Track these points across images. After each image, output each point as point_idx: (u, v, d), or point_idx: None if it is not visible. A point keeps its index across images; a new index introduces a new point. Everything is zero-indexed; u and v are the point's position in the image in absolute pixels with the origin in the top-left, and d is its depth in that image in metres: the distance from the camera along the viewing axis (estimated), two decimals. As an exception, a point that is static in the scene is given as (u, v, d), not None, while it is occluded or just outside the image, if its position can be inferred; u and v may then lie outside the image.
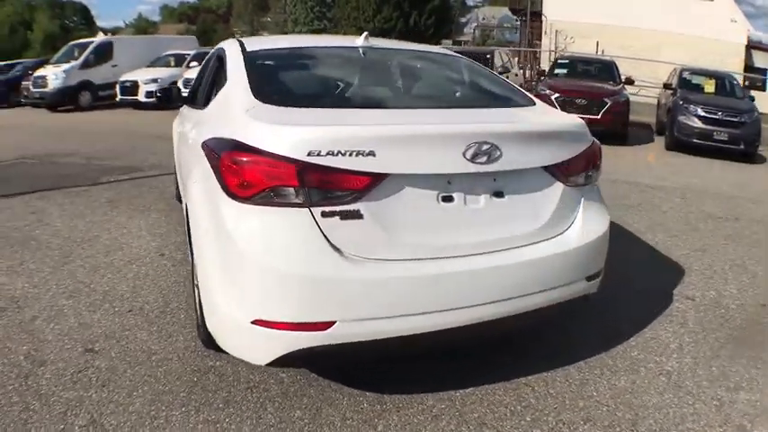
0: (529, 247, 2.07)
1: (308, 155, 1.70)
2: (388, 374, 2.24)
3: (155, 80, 13.47)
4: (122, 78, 14.19)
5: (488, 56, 11.22)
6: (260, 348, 1.81)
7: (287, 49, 3.06)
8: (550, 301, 2.13)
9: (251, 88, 2.14)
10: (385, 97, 2.58)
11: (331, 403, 2.06)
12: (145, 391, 2.09)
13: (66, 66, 14.84)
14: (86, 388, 2.09)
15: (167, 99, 4.84)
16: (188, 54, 15.23)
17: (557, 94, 9.35)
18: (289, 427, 1.93)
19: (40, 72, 15.02)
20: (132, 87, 13.89)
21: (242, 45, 2.68)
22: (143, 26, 61.95)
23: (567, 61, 11.85)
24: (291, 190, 1.72)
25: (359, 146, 1.73)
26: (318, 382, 2.18)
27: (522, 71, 15.80)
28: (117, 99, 14.22)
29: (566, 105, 8.91)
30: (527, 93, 2.82)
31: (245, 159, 1.75)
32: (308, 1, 36.20)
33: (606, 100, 9.16)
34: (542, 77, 11.39)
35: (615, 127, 9.01)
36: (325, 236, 1.74)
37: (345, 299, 1.75)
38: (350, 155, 1.72)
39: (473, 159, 1.89)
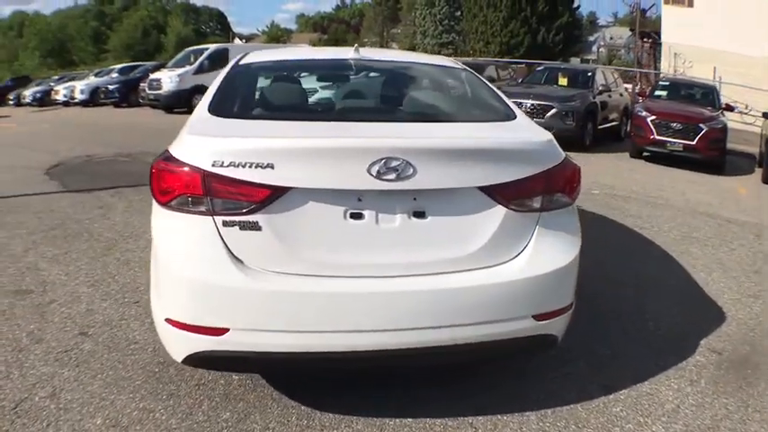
0: (455, 274, 1.96)
1: (213, 165, 1.82)
2: (334, 392, 2.27)
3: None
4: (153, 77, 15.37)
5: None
6: (173, 346, 1.97)
7: (277, 62, 3.13)
8: (483, 337, 2.00)
9: (212, 101, 2.29)
10: (334, 110, 2.65)
11: (262, 411, 2.18)
12: (109, 374, 2.36)
13: (180, 70, 16.08)
14: (63, 366, 2.41)
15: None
16: None
17: (652, 117, 9.00)
18: (213, 427, 2.06)
19: (155, 75, 16.61)
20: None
21: (241, 57, 2.85)
22: (276, 34, 66.34)
23: (667, 83, 11.37)
24: (197, 198, 1.84)
25: (258, 158, 1.82)
26: (263, 389, 2.30)
27: (630, 91, 15.07)
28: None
29: (660, 129, 8.79)
30: (512, 107, 2.58)
31: (164, 167, 1.91)
32: (437, 14, 37.41)
33: (702, 126, 8.70)
34: (642, 98, 11.03)
35: (710, 154, 8.47)
36: (225, 244, 1.84)
37: (239, 307, 1.84)
38: (250, 166, 1.81)
39: (380, 176, 1.84)
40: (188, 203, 1.86)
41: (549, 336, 2.17)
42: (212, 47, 17.40)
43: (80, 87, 20.03)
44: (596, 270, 3.46)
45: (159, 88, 15.63)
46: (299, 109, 2.54)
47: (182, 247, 1.89)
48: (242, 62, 2.81)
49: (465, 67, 3.06)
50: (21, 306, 2.89)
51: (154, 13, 58.40)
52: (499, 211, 2.00)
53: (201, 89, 16.19)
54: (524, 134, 2.30)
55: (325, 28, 66.30)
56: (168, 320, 1.89)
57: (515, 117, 2.45)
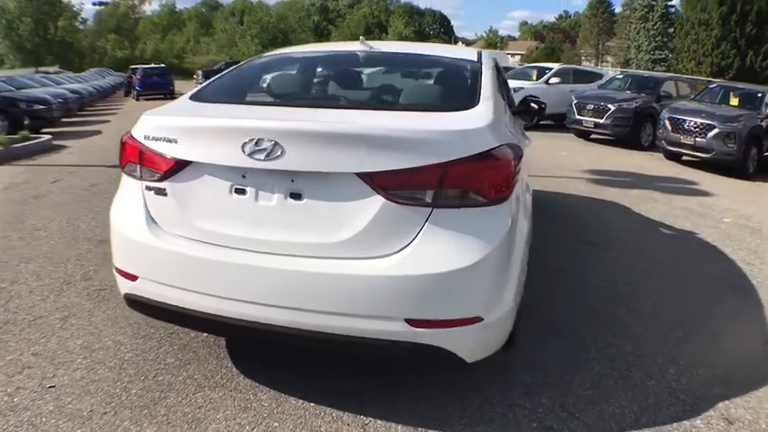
0: (323, 259, 1.92)
1: (144, 138, 2.11)
2: (274, 368, 2.41)
3: None
4: None
5: (759, 94, 9.33)
6: (118, 287, 2.30)
7: (285, 54, 3.31)
8: (347, 330, 1.92)
9: (201, 87, 2.60)
10: (296, 96, 2.69)
11: (200, 363, 2.44)
12: (116, 312, 2.87)
13: (369, 69, 17.28)
14: (89, 299, 3.01)
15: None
16: None
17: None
18: (155, 366, 2.41)
19: None
20: None
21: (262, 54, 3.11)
22: (493, 40, 66.58)
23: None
24: (134, 166, 2.16)
25: (167, 134, 2.05)
26: (217, 349, 2.57)
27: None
28: None
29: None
30: (481, 97, 2.32)
31: (125, 139, 2.24)
32: (651, 29, 37.26)
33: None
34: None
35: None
36: (145, 205, 2.14)
37: (146, 260, 2.13)
38: (163, 141, 2.05)
39: (251, 155, 1.90)
40: (130, 169, 2.19)
41: (436, 348, 1.93)
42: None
43: None
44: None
45: None
46: (269, 96, 2.71)
47: (121, 205, 2.26)
48: (257, 57, 3.09)
49: (478, 59, 2.79)
50: (94, 251, 3.64)
51: (377, 11, 61.86)
52: (376, 201, 1.88)
53: None
54: (436, 123, 2.07)
55: (543, 37, 65.25)
56: (114, 265, 2.26)
57: (471, 107, 2.20)
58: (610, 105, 10.62)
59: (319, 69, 2.97)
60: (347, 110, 2.44)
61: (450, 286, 1.89)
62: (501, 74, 3.46)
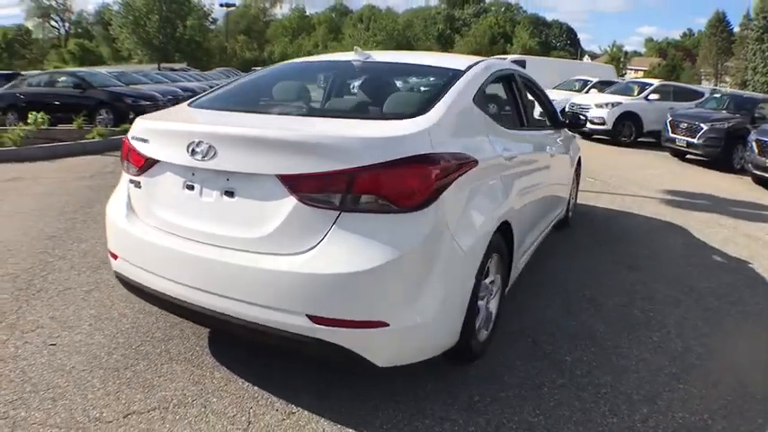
0: (246, 253, 2.03)
1: (131, 138, 2.38)
2: (246, 359, 2.53)
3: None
4: None
5: None
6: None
7: (287, 63, 3.47)
8: (266, 321, 2.00)
9: (201, 94, 2.84)
10: (258, 103, 2.79)
11: (180, 339, 2.68)
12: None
13: None
14: (93, 270, 3.40)
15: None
16: (592, 81, 15.32)
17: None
18: (134, 336, 2.67)
19: None
20: None
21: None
22: (616, 55, 62.99)
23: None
24: (124, 161, 2.44)
25: (143, 135, 2.31)
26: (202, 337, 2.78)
27: None
28: None
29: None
30: (436, 106, 2.29)
31: (124, 139, 2.51)
32: (766, 51, 35.78)
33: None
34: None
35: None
36: (128, 196, 2.42)
37: (123, 243, 2.39)
38: (140, 141, 2.31)
39: (193, 155, 2.09)
40: (123, 164, 2.48)
41: (339, 347, 1.95)
42: (511, 57, 17.66)
43: None
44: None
45: None
46: (235, 103, 2.77)
47: (114, 195, 2.56)
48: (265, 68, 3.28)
49: (466, 69, 2.71)
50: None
51: (503, 21, 60.32)
52: (290, 202, 1.97)
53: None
54: (362, 130, 2.10)
55: (665, 54, 61.29)
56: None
57: (418, 116, 2.20)
58: (702, 125, 9.76)
59: (295, 80, 3.07)
60: (292, 116, 2.55)
61: (352, 288, 1.92)
62: (514, 83, 3.34)
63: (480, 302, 2.55)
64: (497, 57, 17.75)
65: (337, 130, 2.16)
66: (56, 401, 2.21)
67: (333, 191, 1.93)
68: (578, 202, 5.99)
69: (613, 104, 11.98)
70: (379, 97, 2.68)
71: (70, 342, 2.64)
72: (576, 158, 5.00)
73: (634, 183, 7.63)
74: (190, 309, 2.19)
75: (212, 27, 53.89)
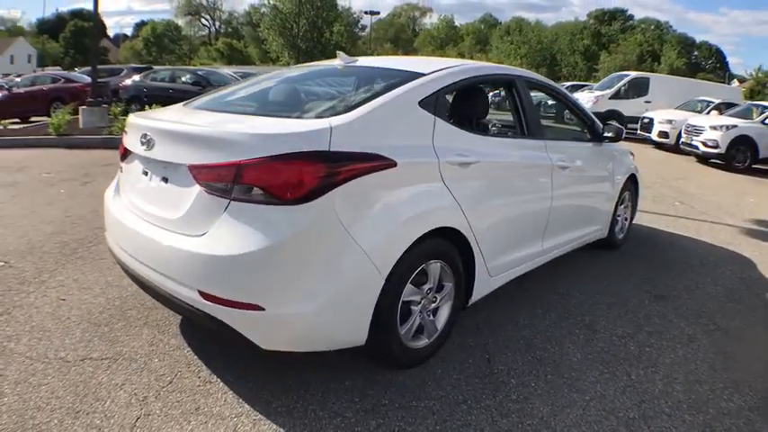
0: (167, 231, 2.12)
1: (124, 131, 2.59)
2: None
3: (669, 121, 12.39)
4: (644, 114, 13.59)
5: None
6: None
7: (280, 70, 3.46)
8: (176, 294, 2.06)
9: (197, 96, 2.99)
10: (233, 104, 2.75)
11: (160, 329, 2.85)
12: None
13: (597, 93, 15.46)
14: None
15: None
16: (713, 102, 13.41)
17: None
18: (115, 313, 2.90)
19: (574, 95, 16.37)
20: (649, 124, 13.08)
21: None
22: (762, 80, 53.99)
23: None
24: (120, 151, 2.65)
25: (126, 128, 2.52)
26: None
27: None
28: (637, 133, 13.48)
29: None
30: (359, 107, 2.18)
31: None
32: None
33: None
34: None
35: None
36: (118, 179, 2.62)
37: (108, 219, 2.56)
38: (125, 133, 2.52)
39: (142, 146, 2.27)
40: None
41: (224, 324, 1.95)
42: (633, 74, 16.11)
43: None
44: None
45: None
46: (212, 103, 2.79)
47: (114, 180, 2.76)
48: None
49: (428, 73, 2.53)
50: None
51: (651, 39, 54.82)
52: (195, 190, 2.04)
53: (616, 115, 15.50)
54: (268, 127, 2.10)
55: None
56: None
57: (337, 115, 2.12)
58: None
59: (271, 82, 3.03)
60: (235, 115, 2.51)
61: (231, 270, 1.93)
62: (513, 89, 3.03)
63: (414, 308, 2.35)
64: (636, 72, 16.18)
65: (241, 126, 2.16)
66: (40, 340, 2.50)
67: (225, 181, 1.97)
68: (649, 225, 5.24)
69: (728, 127, 10.16)
70: (317, 99, 2.61)
71: (77, 300, 2.94)
72: (627, 175, 4.31)
73: (723, 209, 6.40)
74: (139, 279, 2.32)
75: (362, 34, 53.24)
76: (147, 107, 9.72)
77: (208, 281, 1.97)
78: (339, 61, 2.95)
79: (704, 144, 10.24)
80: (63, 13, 65.49)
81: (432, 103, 2.40)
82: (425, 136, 2.34)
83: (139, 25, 69.12)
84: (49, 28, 61.22)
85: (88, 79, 12.97)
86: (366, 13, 51.24)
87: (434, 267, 2.39)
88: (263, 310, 1.92)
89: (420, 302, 2.37)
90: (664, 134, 12.20)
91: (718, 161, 10.35)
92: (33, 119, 13.11)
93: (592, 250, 4.18)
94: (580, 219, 3.72)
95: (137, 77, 14.93)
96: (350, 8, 50.07)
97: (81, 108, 10.35)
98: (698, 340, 2.91)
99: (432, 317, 2.47)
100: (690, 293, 3.60)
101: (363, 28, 52.94)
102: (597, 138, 3.85)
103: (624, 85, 15.31)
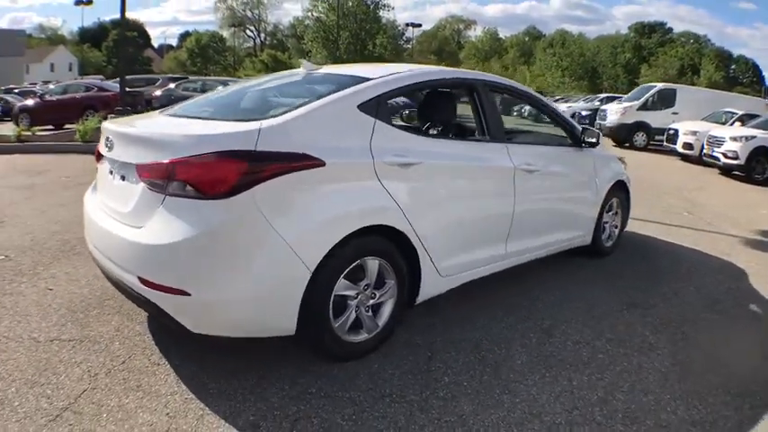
0: (120, 224, 2.22)
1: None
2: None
3: (693, 132, 11.74)
4: (670, 125, 12.95)
5: None
6: None
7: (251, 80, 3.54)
8: (126, 281, 2.14)
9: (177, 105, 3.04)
10: (196, 110, 2.73)
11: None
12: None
13: (625, 104, 14.84)
14: None
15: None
16: (737, 113, 12.64)
17: None
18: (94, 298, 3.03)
19: (606, 106, 15.93)
20: (674, 136, 12.48)
21: None
22: None
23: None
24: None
25: (101, 134, 2.58)
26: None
27: None
28: (663, 144, 13.02)
29: None
30: (295, 109, 2.24)
31: None
32: None
33: None
34: None
35: None
36: (96, 178, 2.71)
37: (85, 216, 2.63)
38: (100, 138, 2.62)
39: (105, 148, 2.41)
40: None
41: (159, 307, 2.05)
42: (660, 86, 15.37)
43: (562, 110, 21.05)
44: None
45: (605, 119, 14.90)
46: (181, 109, 2.81)
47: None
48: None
49: (373, 78, 2.55)
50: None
51: (690, 53, 52.34)
52: (140, 186, 2.14)
53: (643, 126, 15.01)
54: (204, 129, 2.21)
55: None
56: None
57: (269, 118, 2.18)
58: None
59: (237, 89, 3.09)
60: (188, 119, 2.54)
61: (160, 257, 2.03)
62: (475, 93, 2.97)
63: (350, 302, 2.34)
64: (663, 84, 15.45)
65: (181, 129, 2.25)
66: (20, 323, 2.65)
67: (162, 178, 2.05)
68: (647, 234, 4.99)
69: (747, 138, 9.49)
70: (266, 104, 2.65)
71: (63, 290, 3.06)
72: (614, 182, 4.10)
73: (731, 220, 5.96)
74: (104, 271, 2.42)
75: (407, 47, 52.10)
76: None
77: (145, 268, 2.06)
78: (303, 69, 2.99)
79: (725, 155, 9.62)
80: (105, 22, 63.17)
81: (372, 107, 2.40)
82: (363, 137, 2.33)
83: (184, 36, 68.54)
84: (91, 37, 59.12)
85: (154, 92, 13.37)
86: (407, 25, 50.90)
87: (372, 264, 2.37)
88: (190, 295, 1.98)
89: (356, 297, 2.35)
90: (688, 146, 11.56)
91: (738, 173, 9.68)
92: (67, 126, 12.92)
93: (577, 257, 4.01)
94: (556, 223, 3.58)
95: (171, 86, 15.21)
96: (395, 20, 49.13)
97: (110, 116, 10.73)
98: (659, 349, 2.72)
99: (371, 312, 2.44)
100: (667, 302, 3.38)
101: (408, 40, 52.20)
102: (577, 143, 3.70)
103: (652, 96, 14.65)
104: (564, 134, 3.75)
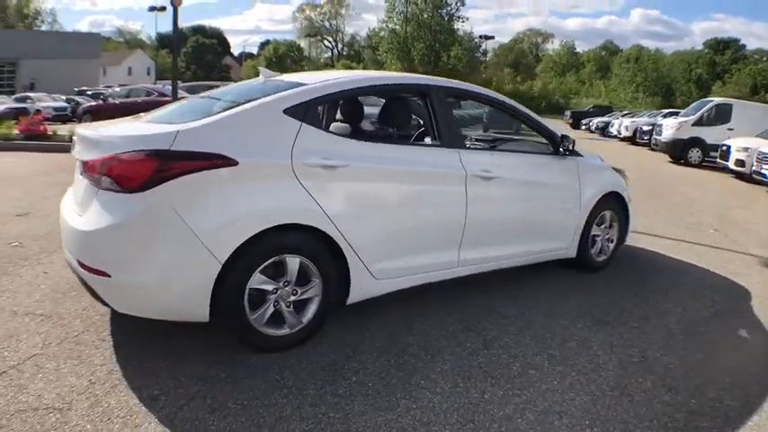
0: (74, 214, 2.36)
1: None
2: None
3: (745, 149, 10.45)
4: (723, 141, 11.69)
5: None
6: None
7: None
8: (73, 265, 2.27)
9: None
10: (158, 116, 2.77)
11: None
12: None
13: (681, 119, 13.74)
14: None
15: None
16: None
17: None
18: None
19: (662, 120, 14.81)
20: (726, 152, 11.18)
21: None
22: None
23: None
24: None
25: None
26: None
27: None
28: (717, 161, 11.75)
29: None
30: (226, 112, 2.34)
31: None
32: None
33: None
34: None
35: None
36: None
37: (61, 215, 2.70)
38: None
39: (74, 149, 2.54)
40: None
41: (92, 289, 2.17)
42: (717, 100, 14.01)
43: (625, 124, 20.16)
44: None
45: (660, 134, 13.90)
46: (154, 115, 2.83)
47: None
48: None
49: (308, 84, 2.57)
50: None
51: (763, 71, 46.94)
52: (86, 181, 2.29)
53: (698, 142, 13.83)
54: (128, 131, 2.35)
55: None
56: None
57: (194, 122, 2.26)
58: None
59: (202, 96, 3.14)
60: (141, 123, 2.62)
61: (89, 242, 2.18)
62: (427, 99, 2.87)
63: (270, 296, 2.34)
64: (720, 99, 13.94)
65: (121, 131, 2.38)
66: (8, 298, 2.89)
67: (95, 173, 2.19)
68: (656, 250, 4.54)
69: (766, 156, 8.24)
70: (207, 109, 2.67)
71: (56, 274, 3.24)
72: (604, 193, 3.74)
73: (760, 240, 5.20)
74: (66, 258, 2.49)
75: (484, 59, 50.96)
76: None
77: (81, 251, 2.22)
78: (261, 78, 3.05)
79: (776, 173, 8.46)
80: (184, 28, 61.78)
81: (300, 111, 2.40)
82: (285, 140, 2.33)
83: (264, 45, 67.88)
84: (170, 42, 62.09)
85: (183, 94, 13.07)
86: (480, 37, 49.69)
87: (292, 262, 2.35)
88: (110, 277, 2.11)
89: (275, 292, 2.35)
90: (740, 162, 10.25)
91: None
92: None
93: (571, 268, 3.73)
94: (527, 233, 3.33)
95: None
96: (471, 32, 47.86)
97: None
98: (604, 371, 2.44)
99: (292, 308, 2.42)
100: (642, 322, 3.03)
101: (485, 53, 51.01)
102: (557, 151, 3.44)
103: (708, 111, 13.29)
104: (545, 142, 3.51)
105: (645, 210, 5.85)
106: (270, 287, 2.34)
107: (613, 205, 3.88)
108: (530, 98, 51.95)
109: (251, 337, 2.33)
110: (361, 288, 2.60)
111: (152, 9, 36.13)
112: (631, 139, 18.70)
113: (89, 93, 24.18)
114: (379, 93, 2.86)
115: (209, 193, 2.15)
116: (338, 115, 3.15)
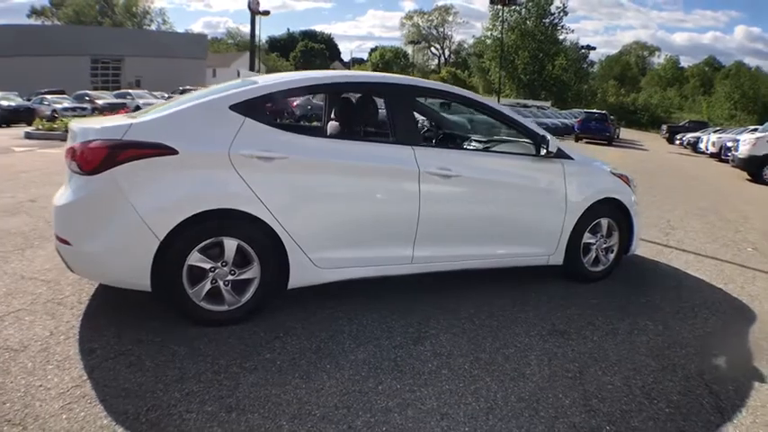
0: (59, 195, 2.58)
1: None
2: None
3: None
4: None
5: None
6: None
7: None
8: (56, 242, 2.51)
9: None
10: (144, 112, 2.87)
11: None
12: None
13: (758, 134, 11.89)
14: None
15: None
16: None
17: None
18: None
19: (740, 136, 13.25)
20: None
21: None
22: None
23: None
24: None
25: None
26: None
27: None
28: None
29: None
30: (181, 108, 2.51)
31: None
32: None
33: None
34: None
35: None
36: None
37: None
38: None
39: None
40: None
41: (62, 257, 2.45)
42: None
43: (712, 140, 18.18)
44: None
45: (736, 149, 12.27)
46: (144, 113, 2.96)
47: None
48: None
49: (250, 85, 2.67)
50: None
51: None
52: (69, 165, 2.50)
53: None
54: (98, 124, 2.52)
55: None
56: None
57: (152, 115, 2.48)
58: None
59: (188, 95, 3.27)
60: (127, 119, 2.75)
61: (60, 215, 2.47)
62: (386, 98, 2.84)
63: (209, 274, 2.49)
64: None
65: (96, 124, 2.59)
66: (16, 263, 3.28)
67: (69, 158, 2.47)
68: (675, 266, 4.04)
69: None
70: (173, 105, 2.84)
71: (52, 263, 3.24)
72: (598, 199, 3.35)
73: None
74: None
75: (591, 70, 49.00)
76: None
77: (56, 224, 2.53)
78: (240, 79, 3.22)
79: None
80: (294, 33, 63.79)
81: (245, 107, 2.52)
82: (228, 133, 2.47)
83: (373, 50, 67.99)
84: (281, 46, 59.14)
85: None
86: (582, 47, 47.65)
87: (230, 244, 2.48)
88: (70, 245, 2.40)
89: (213, 271, 2.49)
90: None
91: None
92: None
93: (558, 279, 3.44)
94: (496, 235, 3.12)
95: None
96: (577, 43, 45.97)
97: None
98: (523, 381, 2.22)
99: (230, 287, 2.54)
100: (603, 338, 2.69)
101: (592, 64, 49.47)
102: (537, 152, 3.17)
103: None
104: (530, 143, 3.25)
105: (688, 225, 5.10)
106: (208, 265, 2.49)
107: (612, 213, 3.46)
108: (632, 111, 48.08)
109: (190, 310, 2.51)
110: (302, 274, 2.65)
111: (256, 13, 37.15)
112: (718, 156, 16.63)
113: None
114: (327, 91, 2.88)
115: (152, 178, 2.36)
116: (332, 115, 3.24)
